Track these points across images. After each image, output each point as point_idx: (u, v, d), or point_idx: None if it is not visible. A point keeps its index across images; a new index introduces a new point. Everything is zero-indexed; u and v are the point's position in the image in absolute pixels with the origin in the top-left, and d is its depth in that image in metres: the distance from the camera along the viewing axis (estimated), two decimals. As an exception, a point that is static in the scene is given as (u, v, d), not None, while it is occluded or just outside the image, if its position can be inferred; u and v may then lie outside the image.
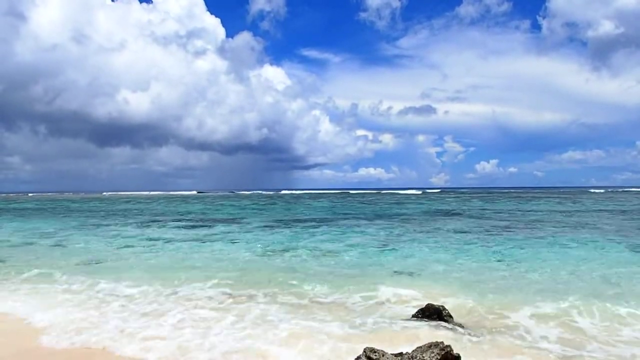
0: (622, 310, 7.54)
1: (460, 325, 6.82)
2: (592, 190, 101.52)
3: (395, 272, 11.02)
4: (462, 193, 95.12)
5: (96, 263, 12.64)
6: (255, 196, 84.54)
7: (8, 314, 7.79)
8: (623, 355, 5.88)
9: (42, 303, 8.34)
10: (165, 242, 16.98)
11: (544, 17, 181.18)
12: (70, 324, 7.09)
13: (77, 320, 7.27)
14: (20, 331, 6.92)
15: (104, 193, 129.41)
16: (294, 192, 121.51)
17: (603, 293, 8.63)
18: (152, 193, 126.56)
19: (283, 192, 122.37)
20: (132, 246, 16.09)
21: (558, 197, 60.46)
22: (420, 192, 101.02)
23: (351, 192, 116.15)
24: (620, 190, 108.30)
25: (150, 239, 17.92)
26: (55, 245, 16.30)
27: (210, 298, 8.75)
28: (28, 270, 11.25)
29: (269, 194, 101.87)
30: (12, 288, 9.62)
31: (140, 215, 32.87)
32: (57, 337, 6.57)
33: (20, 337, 6.63)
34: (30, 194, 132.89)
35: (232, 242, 16.87)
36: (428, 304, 7.21)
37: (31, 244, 16.91)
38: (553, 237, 16.88)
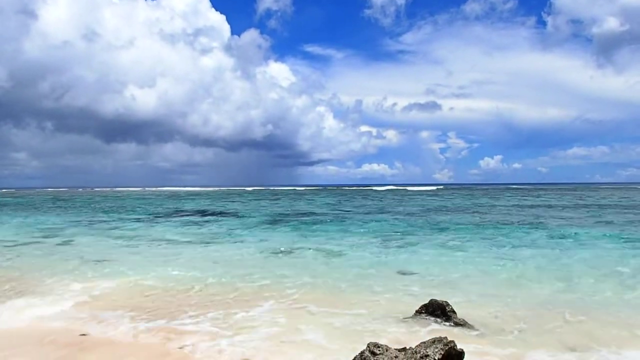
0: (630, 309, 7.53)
1: (464, 322, 6.84)
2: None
3: (398, 268, 11.04)
4: (468, 189, 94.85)
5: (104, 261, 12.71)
6: (259, 192, 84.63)
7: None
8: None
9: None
10: (168, 242, 17.08)
11: (548, 14, 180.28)
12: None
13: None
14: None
15: (104, 188, 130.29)
16: (307, 187, 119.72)
17: (614, 290, 8.60)
18: (156, 189, 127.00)
19: (287, 187, 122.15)
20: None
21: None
22: (434, 187, 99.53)
23: (364, 188, 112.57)
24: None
25: (155, 238, 18.03)
26: (60, 244, 16.42)
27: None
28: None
29: (274, 190, 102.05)
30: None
31: (150, 211, 33.02)
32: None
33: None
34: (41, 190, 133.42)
35: (236, 241, 16.86)
36: (431, 299, 7.22)
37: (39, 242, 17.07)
38: (561, 232, 16.80)
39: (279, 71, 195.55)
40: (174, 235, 18.33)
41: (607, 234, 16.13)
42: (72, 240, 16.78)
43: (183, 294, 8.83)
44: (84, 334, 6.51)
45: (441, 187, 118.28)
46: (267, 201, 47.63)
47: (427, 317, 6.98)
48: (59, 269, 11.06)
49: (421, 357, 4.64)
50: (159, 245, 15.69)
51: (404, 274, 10.49)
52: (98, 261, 12.18)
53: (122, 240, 16.78)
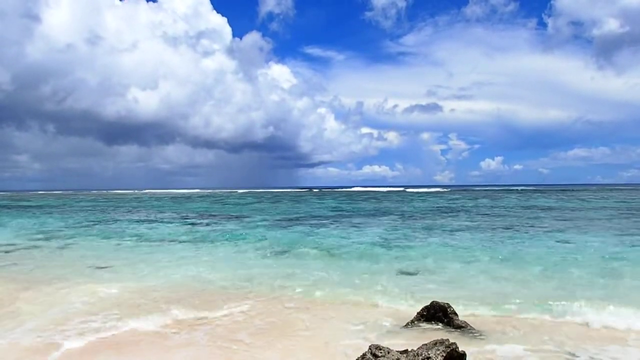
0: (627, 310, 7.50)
1: (466, 324, 6.81)
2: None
3: (399, 270, 11.02)
4: (469, 191, 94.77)
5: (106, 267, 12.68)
6: (259, 194, 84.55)
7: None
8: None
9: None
10: (168, 242, 17.06)
11: (549, 16, 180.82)
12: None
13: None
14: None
15: (103, 191, 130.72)
16: (308, 189, 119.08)
17: (612, 292, 8.58)
18: (157, 191, 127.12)
19: (288, 189, 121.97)
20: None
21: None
22: (448, 189, 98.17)
23: (380, 190, 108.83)
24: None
25: (155, 240, 18.01)
26: (60, 248, 16.39)
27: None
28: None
29: (274, 191, 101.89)
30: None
31: (150, 214, 33.01)
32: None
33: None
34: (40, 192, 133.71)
35: (235, 243, 16.79)
36: (433, 301, 7.20)
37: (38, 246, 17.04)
38: (562, 235, 16.72)
39: (280, 73, 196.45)
40: (174, 237, 18.29)
41: (610, 238, 16.06)
42: (72, 244, 16.73)
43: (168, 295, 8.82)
44: None
45: (442, 189, 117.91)
46: (268, 203, 47.59)
47: (428, 319, 6.96)
48: (58, 281, 10.09)
49: (423, 360, 4.63)
50: (158, 248, 15.68)
51: (405, 275, 10.46)
52: (98, 268, 11.91)
53: (122, 244, 16.75)
